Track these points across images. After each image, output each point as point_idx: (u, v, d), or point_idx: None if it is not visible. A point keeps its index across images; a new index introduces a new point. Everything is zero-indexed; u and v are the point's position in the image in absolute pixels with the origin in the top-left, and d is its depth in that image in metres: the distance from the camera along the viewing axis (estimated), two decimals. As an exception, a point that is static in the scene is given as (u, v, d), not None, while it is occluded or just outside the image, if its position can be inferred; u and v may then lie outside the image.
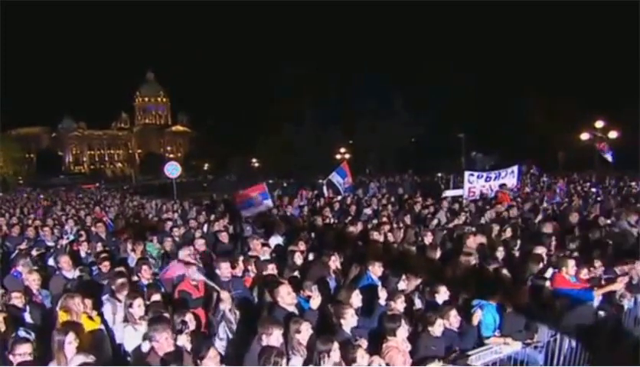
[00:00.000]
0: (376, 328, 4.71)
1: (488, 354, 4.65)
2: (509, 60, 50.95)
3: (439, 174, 33.57)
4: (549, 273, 5.99)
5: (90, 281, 6.31)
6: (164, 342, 3.87)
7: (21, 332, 4.60)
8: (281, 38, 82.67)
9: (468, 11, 59.67)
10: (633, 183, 18.07)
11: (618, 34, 39.99)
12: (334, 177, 16.06)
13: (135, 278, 6.05)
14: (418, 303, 5.57)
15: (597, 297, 5.50)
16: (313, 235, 9.05)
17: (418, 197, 14.91)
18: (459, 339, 4.83)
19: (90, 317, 4.66)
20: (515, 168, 14.99)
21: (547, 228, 8.34)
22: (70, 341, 3.82)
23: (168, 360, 3.73)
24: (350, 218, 11.24)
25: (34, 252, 7.74)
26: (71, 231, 10.72)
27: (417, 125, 52.11)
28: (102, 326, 4.80)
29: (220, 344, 4.74)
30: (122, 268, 6.30)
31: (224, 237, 8.82)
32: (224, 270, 5.77)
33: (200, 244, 7.81)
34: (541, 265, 6.15)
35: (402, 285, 5.59)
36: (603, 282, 5.77)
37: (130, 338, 4.53)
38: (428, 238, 8.13)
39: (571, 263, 5.77)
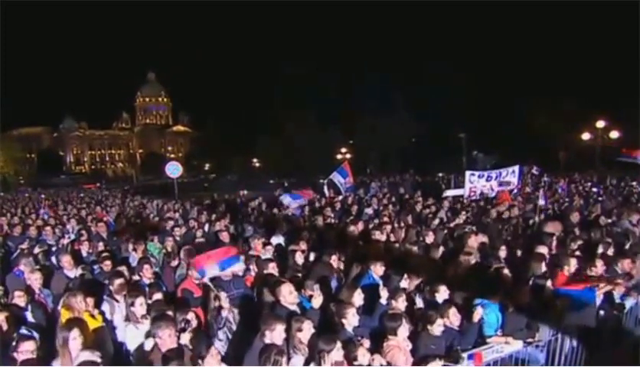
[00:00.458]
0: (377, 327, 4.72)
1: (489, 353, 4.65)
2: (510, 59, 51.00)
3: (440, 174, 33.58)
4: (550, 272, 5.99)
5: (92, 280, 6.33)
6: (167, 339, 3.88)
7: (23, 331, 4.64)
8: (281, 38, 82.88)
9: (470, 11, 59.74)
10: (634, 183, 18.04)
11: (618, 34, 40.00)
12: (336, 177, 16.03)
13: (137, 277, 6.07)
14: (419, 303, 5.58)
15: (598, 296, 5.49)
16: (314, 234, 9.05)
17: (419, 197, 14.91)
18: (460, 338, 4.84)
19: (92, 315, 4.67)
20: (516, 168, 14.92)
21: (549, 228, 8.34)
22: (75, 337, 3.84)
23: (170, 357, 3.74)
24: (351, 218, 11.25)
25: (37, 250, 7.74)
26: (72, 230, 10.76)
27: (418, 124, 52.11)
28: (104, 325, 4.80)
29: (219, 344, 4.75)
30: (121, 268, 6.31)
31: (225, 237, 8.82)
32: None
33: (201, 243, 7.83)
34: (543, 265, 6.15)
35: (403, 284, 5.60)
36: (604, 282, 5.76)
37: (132, 336, 4.55)
38: (429, 238, 8.13)
39: (573, 262, 5.78)
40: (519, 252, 7.28)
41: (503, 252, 7.01)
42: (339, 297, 5.11)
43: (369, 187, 22.75)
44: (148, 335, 4.11)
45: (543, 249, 6.60)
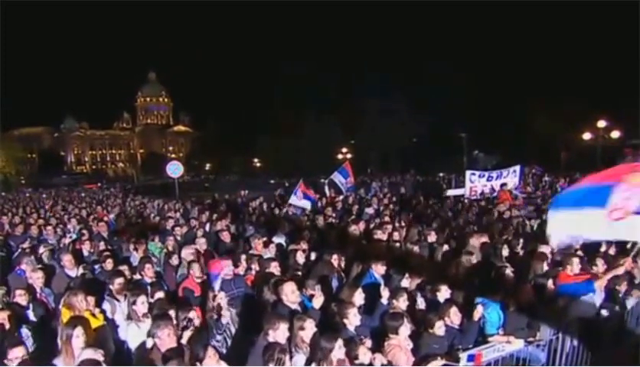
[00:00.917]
0: (378, 326, 4.72)
1: (490, 352, 4.64)
2: (511, 59, 50.96)
3: (441, 174, 33.58)
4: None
5: (93, 279, 6.34)
6: (166, 339, 3.88)
7: (24, 330, 4.64)
8: (281, 38, 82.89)
9: (470, 11, 59.70)
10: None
11: (619, 34, 39.96)
12: (337, 177, 16.07)
13: (138, 277, 6.08)
14: (420, 302, 5.57)
15: (600, 289, 5.49)
16: (315, 234, 9.05)
17: (420, 197, 14.91)
18: (460, 336, 4.84)
19: (93, 314, 4.68)
20: (517, 168, 14.98)
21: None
22: (78, 335, 3.84)
23: (169, 356, 3.73)
24: (352, 217, 11.25)
25: (43, 249, 7.77)
26: (74, 230, 10.77)
27: (418, 124, 52.14)
28: (105, 324, 4.81)
29: (218, 344, 4.74)
30: (123, 267, 6.32)
31: (226, 236, 8.83)
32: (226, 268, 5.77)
33: (202, 243, 7.84)
34: (545, 264, 6.15)
35: (404, 283, 5.60)
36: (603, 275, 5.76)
37: (134, 335, 4.56)
38: (432, 237, 8.13)
39: (575, 261, 5.78)
40: (520, 252, 7.29)
41: (505, 252, 7.01)
42: (340, 296, 5.11)
43: (370, 187, 22.76)
44: (149, 333, 4.11)
45: (544, 249, 6.59)
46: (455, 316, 4.88)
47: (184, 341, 4.02)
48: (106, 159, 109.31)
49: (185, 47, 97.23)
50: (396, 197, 16.07)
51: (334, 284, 6.09)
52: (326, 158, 42.54)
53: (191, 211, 14.54)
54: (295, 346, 4.04)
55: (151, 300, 4.96)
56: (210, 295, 5.05)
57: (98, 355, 3.60)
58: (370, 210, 12.66)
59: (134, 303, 4.70)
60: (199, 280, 5.80)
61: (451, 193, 15.83)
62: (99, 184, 61.76)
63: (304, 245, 7.34)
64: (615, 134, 30.03)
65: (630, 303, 5.75)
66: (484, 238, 7.56)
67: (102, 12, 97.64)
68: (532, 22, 53.70)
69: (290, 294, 4.84)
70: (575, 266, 5.71)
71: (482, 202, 13.15)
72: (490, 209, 11.41)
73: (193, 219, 11.38)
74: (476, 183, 14.59)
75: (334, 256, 6.50)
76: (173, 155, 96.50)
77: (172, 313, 4.36)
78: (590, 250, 6.91)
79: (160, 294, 5.16)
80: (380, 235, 8.27)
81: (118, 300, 5.23)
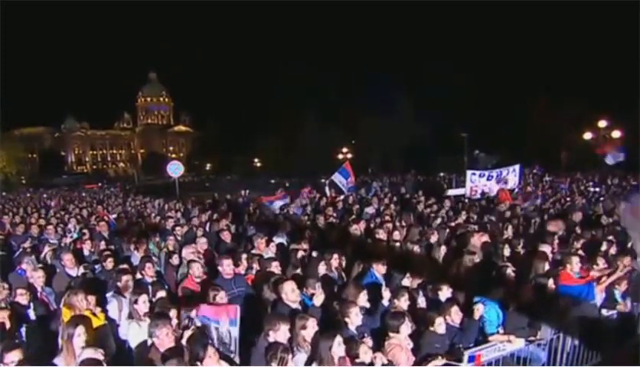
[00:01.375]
0: (379, 325, 4.72)
1: (491, 351, 4.64)
2: (512, 59, 51.01)
3: (442, 173, 33.57)
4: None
5: (93, 279, 6.34)
6: (164, 338, 3.88)
7: (24, 330, 4.64)
8: (281, 38, 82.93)
9: (470, 11, 59.71)
10: (635, 183, 18.02)
11: (619, 34, 39.96)
12: (337, 177, 16.06)
13: (139, 276, 6.08)
14: (421, 302, 5.57)
15: (600, 292, 5.49)
16: (316, 234, 9.04)
17: (420, 196, 14.90)
18: (461, 335, 4.84)
19: (94, 314, 4.68)
20: (517, 167, 14.97)
21: (552, 227, 8.33)
22: (79, 334, 3.84)
23: (168, 356, 3.73)
24: (353, 217, 11.24)
25: (47, 249, 7.77)
26: (74, 229, 10.77)
27: (419, 124, 52.07)
28: (106, 323, 4.81)
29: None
30: (126, 266, 6.33)
31: (226, 236, 8.81)
32: (226, 267, 5.78)
33: (203, 242, 7.82)
34: (546, 263, 6.15)
35: (405, 282, 5.60)
36: (604, 277, 5.76)
37: (134, 334, 4.56)
38: (433, 237, 8.13)
39: (575, 260, 5.78)
40: (521, 251, 7.28)
41: (506, 251, 7.00)
42: (344, 295, 5.10)
43: (370, 187, 22.73)
44: (150, 332, 4.11)
45: (545, 248, 6.60)
46: (456, 315, 4.89)
47: (184, 340, 4.01)
48: (106, 159, 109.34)
49: (185, 47, 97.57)
50: (396, 197, 16.06)
51: (335, 282, 6.08)
52: (326, 158, 42.53)
53: (192, 211, 14.54)
54: (297, 345, 4.05)
55: (153, 299, 4.96)
56: (210, 295, 5.05)
57: (98, 354, 3.60)
58: (370, 210, 12.65)
59: (135, 302, 4.70)
60: (199, 280, 5.79)
61: (451, 192, 15.83)
62: (99, 184, 61.72)
63: (304, 245, 7.34)
64: (616, 134, 29.97)
65: (630, 302, 5.74)
66: (485, 238, 7.57)
67: (102, 12, 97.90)
68: (532, 22, 53.81)
69: (290, 293, 4.84)
70: (575, 265, 5.71)
71: (482, 201, 13.13)
72: (490, 209, 11.39)
73: (193, 219, 11.37)
74: (477, 183, 14.57)
75: (335, 255, 6.50)
76: (173, 155, 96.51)
77: (174, 312, 4.36)
78: (590, 250, 6.93)
79: (162, 293, 5.17)
80: (381, 234, 8.27)
81: (125, 297, 5.24)
